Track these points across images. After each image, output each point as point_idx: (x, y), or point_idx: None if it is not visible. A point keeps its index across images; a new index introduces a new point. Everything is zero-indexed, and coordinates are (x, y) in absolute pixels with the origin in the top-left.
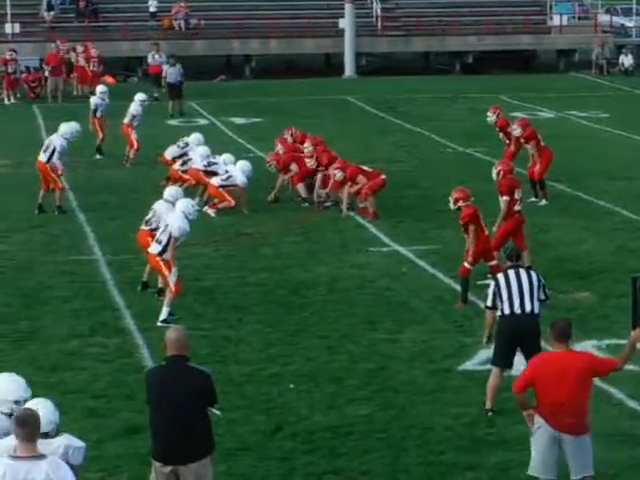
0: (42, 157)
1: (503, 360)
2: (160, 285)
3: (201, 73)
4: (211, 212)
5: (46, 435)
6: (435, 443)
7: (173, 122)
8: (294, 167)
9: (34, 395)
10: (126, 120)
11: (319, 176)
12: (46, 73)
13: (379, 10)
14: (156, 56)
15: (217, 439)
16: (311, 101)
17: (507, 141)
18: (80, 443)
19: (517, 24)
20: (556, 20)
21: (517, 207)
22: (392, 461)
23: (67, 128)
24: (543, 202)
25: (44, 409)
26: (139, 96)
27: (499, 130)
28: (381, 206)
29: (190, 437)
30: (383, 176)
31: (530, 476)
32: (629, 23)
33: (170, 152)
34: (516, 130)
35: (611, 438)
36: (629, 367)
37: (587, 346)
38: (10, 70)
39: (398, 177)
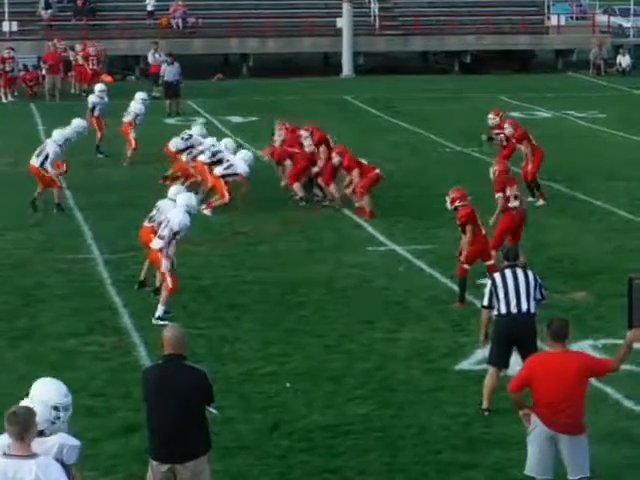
0: (34, 161)
1: (499, 359)
2: (157, 284)
3: (199, 72)
4: (207, 212)
5: (41, 433)
6: (432, 442)
7: (171, 121)
8: (288, 162)
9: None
10: (127, 119)
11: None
12: (43, 71)
13: (377, 9)
14: (156, 55)
15: (214, 438)
16: (309, 100)
17: (504, 143)
18: (75, 442)
19: (515, 24)
20: (554, 20)
21: (512, 204)
22: (389, 460)
23: (60, 135)
24: (540, 202)
25: (40, 407)
26: (140, 95)
27: (498, 133)
28: (378, 205)
29: (187, 436)
30: (377, 171)
31: (527, 476)
32: (626, 23)
33: (174, 144)
34: (507, 129)
35: (608, 438)
36: (626, 367)
37: (584, 346)
38: (7, 68)
39: (395, 176)
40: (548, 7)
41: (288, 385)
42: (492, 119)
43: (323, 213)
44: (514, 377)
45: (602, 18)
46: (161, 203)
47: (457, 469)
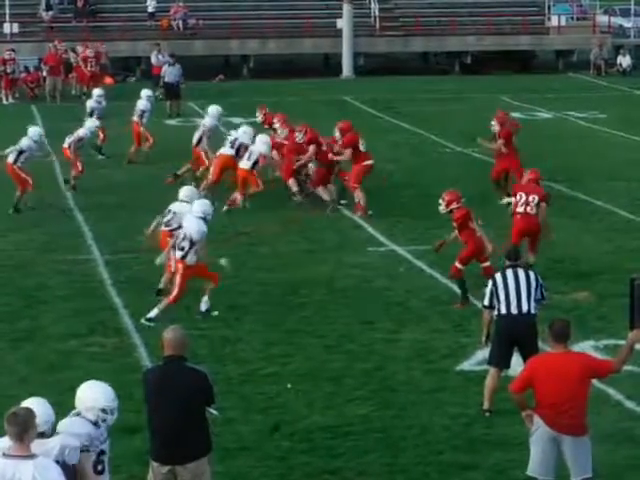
0: (10, 159)
1: (500, 360)
2: (162, 286)
3: (199, 73)
4: (243, 202)
5: (42, 434)
6: (433, 443)
7: (172, 122)
8: (274, 154)
9: (32, 394)
10: (135, 117)
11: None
12: (44, 73)
13: (377, 10)
14: (159, 56)
15: (215, 439)
16: (309, 101)
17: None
18: (76, 442)
19: (516, 24)
20: (554, 21)
21: (518, 209)
22: (390, 461)
23: (35, 131)
24: (506, 200)
25: (39, 409)
26: (145, 92)
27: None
28: (379, 206)
29: (188, 437)
30: (368, 162)
31: (529, 477)
32: (627, 24)
33: (226, 151)
34: (494, 127)
35: (610, 439)
36: (628, 368)
37: (585, 346)
38: (8, 70)
39: (396, 177)
40: (548, 7)
41: (289, 386)
42: (493, 125)
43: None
44: (516, 378)
45: (603, 18)
46: (174, 207)
47: (458, 470)
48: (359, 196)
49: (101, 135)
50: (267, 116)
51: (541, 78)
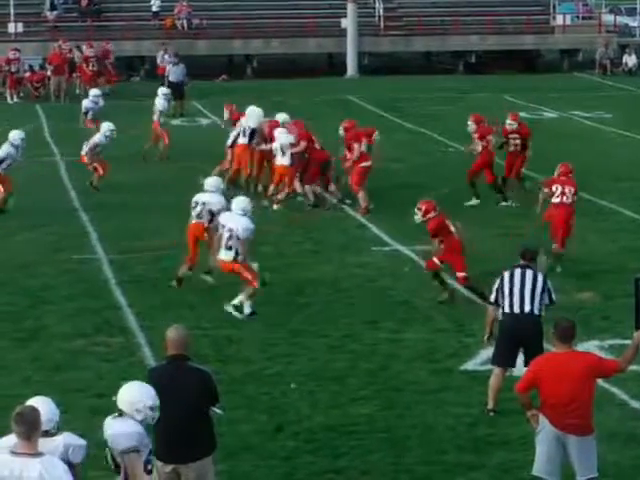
0: None
1: (503, 359)
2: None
3: (203, 73)
4: (276, 207)
5: (46, 433)
6: (437, 443)
7: (176, 122)
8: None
9: (37, 393)
10: (155, 117)
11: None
12: (49, 72)
13: (381, 10)
14: (165, 56)
15: (219, 438)
16: (313, 101)
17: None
18: (81, 441)
19: (520, 24)
20: (559, 20)
21: (555, 199)
22: (394, 461)
23: (16, 135)
24: (474, 201)
25: (44, 407)
26: (162, 90)
27: (520, 136)
28: (383, 205)
29: (191, 436)
30: (366, 163)
31: (534, 476)
32: (633, 23)
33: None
34: (470, 126)
35: (615, 438)
36: (633, 367)
37: (590, 346)
38: (13, 69)
39: (400, 176)
40: (553, 7)
41: (293, 386)
42: (511, 124)
43: (327, 213)
44: (521, 378)
45: (608, 17)
46: (200, 198)
47: (462, 470)
48: (362, 198)
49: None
50: (234, 114)
51: (546, 78)
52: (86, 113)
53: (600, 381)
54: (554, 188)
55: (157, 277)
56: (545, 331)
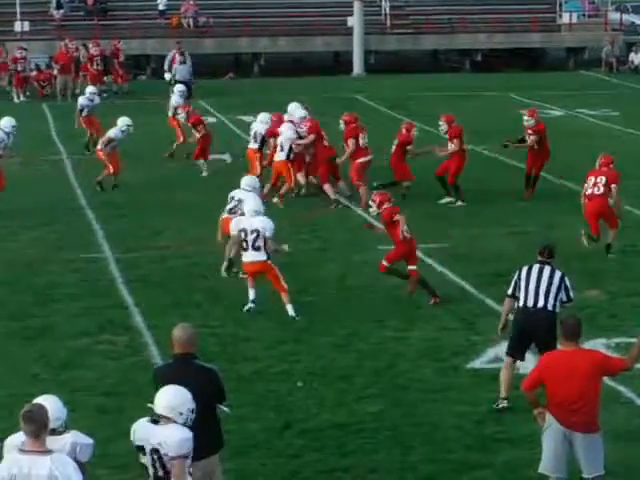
0: None
1: (514, 350)
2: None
3: (210, 71)
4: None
5: (54, 431)
6: (443, 441)
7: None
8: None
9: (44, 392)
10: (170, 113)
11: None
12: (55, 71)
13: (388, 8)
14: (177, 55)
15: (226, 436)
16: (320, 99)
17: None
18: (88, 440)
19: (526, 22)
20: (566, 18)
21: (587, 191)
22: (400, 459)
23: (7, 121)
24: (459, 203)
25: (52, 406)
26: (178, 87)
27: (534, 132)
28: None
29: (198, 434)
30: (365, 158)
31: (540, 475)
32: (639, 21)
33: (250, 145)
34: (441, 126)
35: (621, 436)
36: (639, 366)
37: (596, 344)
38: (20, 68)
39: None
40: (560, 5)
41: (300, 384)
42: (528, 120)
43: (334, 212)
44: (528, 376)
45: (614, 15)
46: (237, 194)
47: (469, 468)
48: (363, 193)
49: (89, 132)
50: (191, 114)
51: (552, 76)
52: (81, 110)
53: (606, 379)
54: (588, 181)
55: (164, 276)
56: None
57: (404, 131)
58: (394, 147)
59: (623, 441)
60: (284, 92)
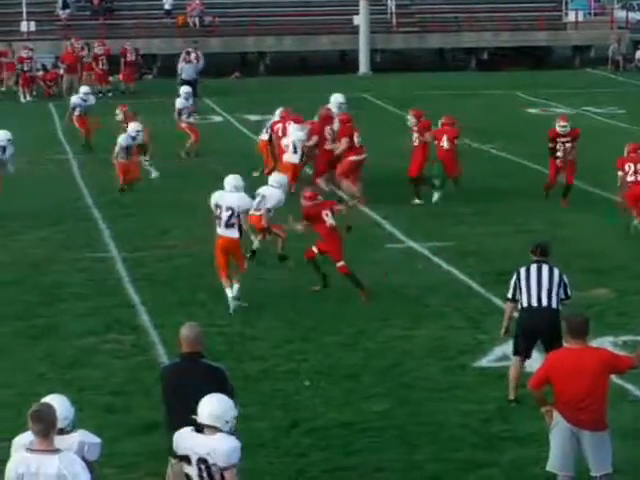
0: None
1: (521, 350)
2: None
3: (216, 70)
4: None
5: (61, 431)
6: (450, 440)
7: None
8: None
9: (50, 391)
10: (175, 116)
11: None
12: (61, 71)
13: (394, 7)
14: (192, 54)
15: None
16: (326, 98)
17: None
18: (95, 439)
19: (532, 20)
20: (572, 16)
21: (629, 178)
22: (407, 458)
23: (2, 134)
24: (417, 201)
25: (59, 405)
26: (183, 89)
27: (571, 139)
28: (397, 203)
29: None
30: (359, 157)
31: (547, 473)
32: None
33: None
34: (410, 120)
35: (629, 435)
36: None
37: (604, 342)
38: (26, 68)
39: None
40: (566, 3)
41: (306, 383)
42: (563, 125)
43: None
44: (534, 374)
45: (620, 14)
46: (264, 190)
47: (475, 467)
48: (345, 186)
49: (82, 131)
50: (127, 115)
51: (558, 74)
52: (74, 109)
53: (614, 377)
54: (627, 167)
55: (170, 275)
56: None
57: (446, 126)
58: (447, 143)
59: (631, 439)
60: (290, 91)
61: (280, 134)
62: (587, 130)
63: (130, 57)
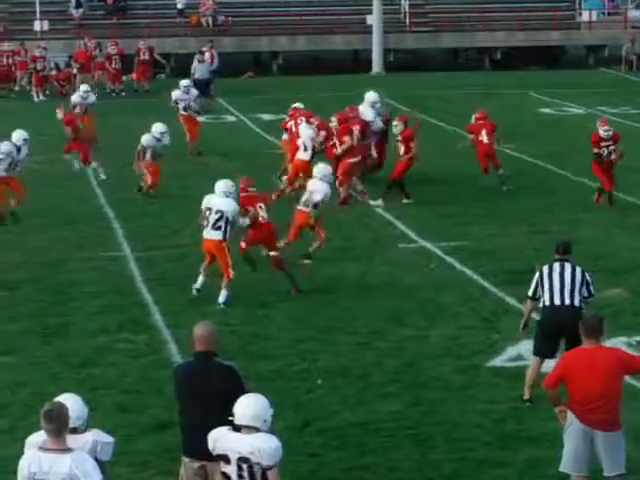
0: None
1: (542, 350)
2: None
3: (229, 70)
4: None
5: (75, 430)
6: (464, 440)
7: (201, 119)
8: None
9: (63, 390)
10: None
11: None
12: (74, 70)
13: (407, 6)
14: (207, 53)
15: None
16: (339, 97)
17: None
18: (109, 438)
19: (546, 20)
20: (585, 16)
21: None
22: (421, 457)
23: (20, 134)
24: (379, 202)
25: (73, 405)
26: (182, 82)
27: (614, 143)
28: (409, 203)
29: None
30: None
31: (560, 473)
32: None
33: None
34: (397, 127)
35: None
36: None
37: (617, 343)
38: (39, 67)
39: (426, 173)
40: (579, 3)
41: (319, 382)
42: (608, 130)
43: (354, 210)
44: (549, 374)
45: (634, 13)
46: (310, 185)
47: (489, 466)
48: (343, 190)
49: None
50: (67, 115)
51: (572, 74)
52: (74, 107)
53: (627, 377)
54: None
55: (183, 274)
56: None
57: (481, 120)
58: (486, 137)
59: None
60: (303, 91)
61: (293, 130)
62: None
63: (143, 56)
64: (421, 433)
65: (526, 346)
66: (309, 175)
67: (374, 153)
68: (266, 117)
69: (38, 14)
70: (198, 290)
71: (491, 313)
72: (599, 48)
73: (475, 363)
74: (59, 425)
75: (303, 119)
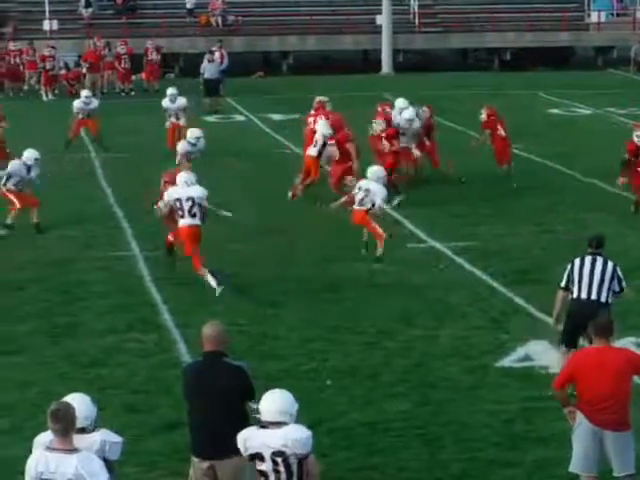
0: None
1: (568, 340)
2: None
3: (238, 69)
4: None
5: (83, 430)
6: (473, 440)
7: (210, 119)
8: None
9: (72, 390)
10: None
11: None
12: (84, 70)
13: (417, 7)
14: (217, 53)
15: None
16: (348, 97)
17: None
18: (117, 438)
19: (555, 21)
20: (594, 17)
21: None
22: (429, 457)
23: (31, 154)
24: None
25: (81, 404)
26: (170, 90)
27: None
28: (418, 202)
29: (228, 432)
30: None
31: (569, 474)
32: None
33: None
34: (379, 125)
35: None
36: None
37: (626, 343)
38: (48, 67)
39: (435, 173)
40: (588, 4)
41: (328, 382)
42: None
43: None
44: (559, 374)
45: None
46: (366, 185)
47: (498, 467)
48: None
49: (77, 133)
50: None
51: (580, 74)
52: (78, 113)
53: (636, 378)
54: None
55: (191, 274)
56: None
57: (492, 116)
58: (502, 132)
59: None
60: (313, 90)
61: (312, 126)
62: (610, 130)
63: (152, 56)
64: (430, 433)
65: (535, 347)
66: (317, 170)
67: (417, 152)
68: (276, 117)
69: (47, 14)
70: (219, 284)
71: (500, 313)
72: (608, 49)
73: (484, 363)
74: (66, 425)
75: (322, 117)
